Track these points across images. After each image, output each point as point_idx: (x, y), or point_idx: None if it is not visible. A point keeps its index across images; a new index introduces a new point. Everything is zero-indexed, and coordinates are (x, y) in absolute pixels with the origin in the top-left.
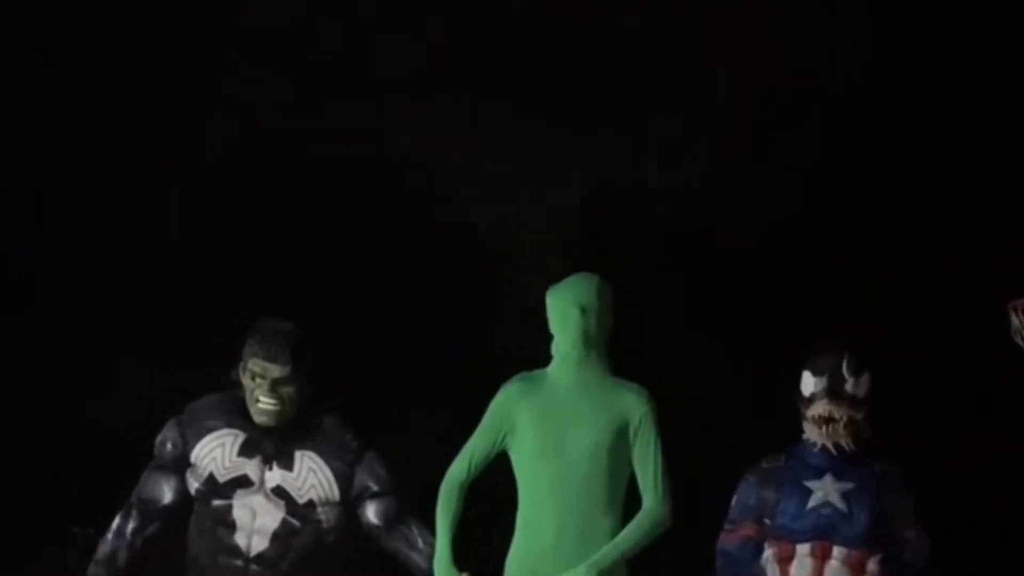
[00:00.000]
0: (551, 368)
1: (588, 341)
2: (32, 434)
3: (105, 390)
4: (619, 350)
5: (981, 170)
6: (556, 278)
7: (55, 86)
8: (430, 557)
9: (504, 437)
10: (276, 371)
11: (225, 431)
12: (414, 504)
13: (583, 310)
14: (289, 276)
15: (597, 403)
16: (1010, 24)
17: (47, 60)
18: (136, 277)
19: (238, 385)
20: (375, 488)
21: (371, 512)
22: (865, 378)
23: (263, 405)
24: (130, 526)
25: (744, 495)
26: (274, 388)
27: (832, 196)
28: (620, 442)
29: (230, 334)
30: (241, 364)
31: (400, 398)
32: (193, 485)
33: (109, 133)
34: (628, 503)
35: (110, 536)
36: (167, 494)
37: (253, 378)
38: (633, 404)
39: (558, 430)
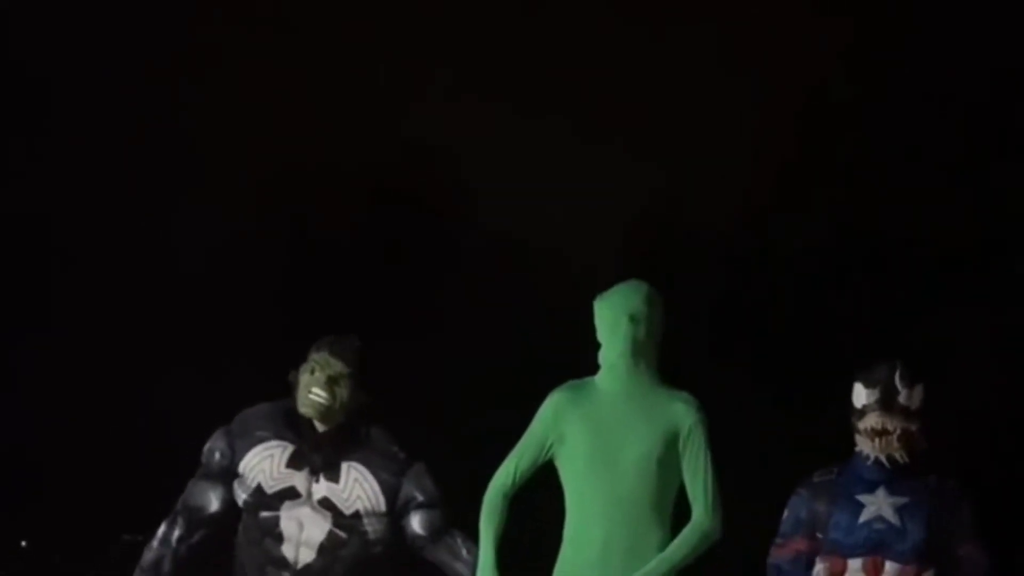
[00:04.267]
0: (599, 377)
1: (637, 350)
2: (82, 440)
3: (155, 396)
4: (669, 359)
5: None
6: (602, 286)
7: (104, 102)
8: (474, 567)
9: (551, 446)
10: (338, 367)
11: (274, 442)
12: (459, 513)
13: (632, 318)
14: (338, 286)
15: (646, 413)
16: None
17: (96, 78)
18: (183, 285)
19: (291, 391)
20: (421, 499)
21: (416, 523)
22: (919, 389)
23: (313, 396)
24: (175, 534)
25: (796, 509)
26: (329, 383)
27: (881, 203)
28: (670, 452)
29: (278, 341)
30: (303, 365)
31: (445, 405)
32: (240, 496)
33: (148, 149)
34: (677, 514)
35: (155, 543)
36: (213, 503)
37: (312, 371)
38: (683, 413)
39: (607, 440)
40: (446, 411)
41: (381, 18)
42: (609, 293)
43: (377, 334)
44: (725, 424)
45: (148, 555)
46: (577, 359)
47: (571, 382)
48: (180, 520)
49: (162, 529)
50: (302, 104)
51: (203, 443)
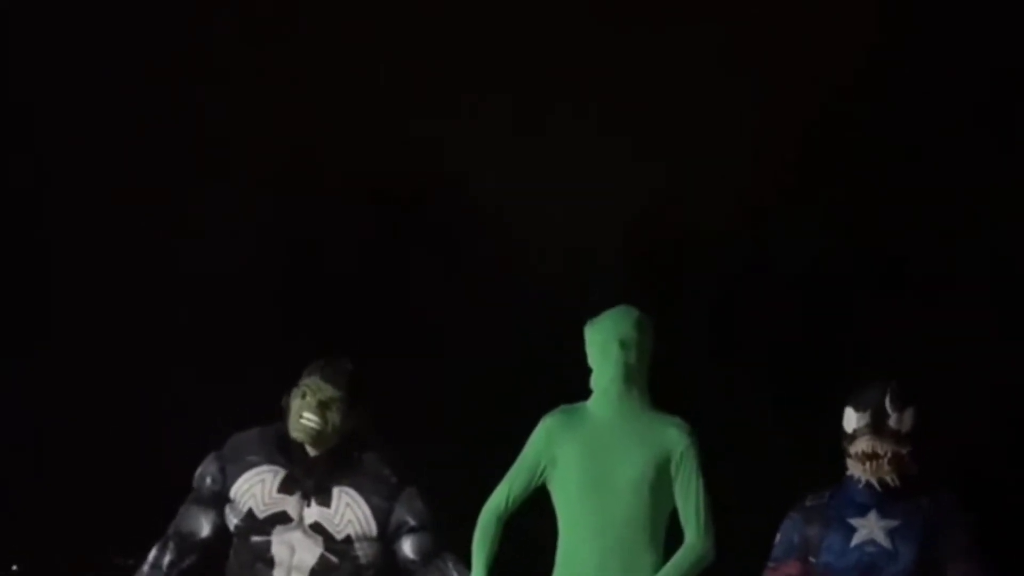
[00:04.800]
0: (591, 401)
1: (629, 375)
2: (73, 463)
3: (148, 420)
4: (662, 380)
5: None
6: (598, 308)
7: (104, 105)
8: None
9: (544, 470)
10: (328, 391)
11: (265, 467)
12: (451, 537)
13: (623, 344)
14: (335, 303)
15: (638, 437)
16: None
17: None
18: (176, 307)
19: (283, 415)
20: (412, 523)
21: (407, 547)
22: (910, 412)
23: (304, 421)
24: (166, 559)
25: (788, 533)
26: (321, 408)
27: (883, 224)
28: (662, 476)
29: (273, 364)
30: (294, 390)
31: (438, 427)
32: (232, 521)
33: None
34: (670, 538)
35: (146, 568)
36: (204, 528)
37: (304, 396)
38: (675, 438)
39: (599, 464)
40: (446, 413)
41: (381, 23)
42: (599, 319)
43: (376, 338)
44: (718, 444)
45: None
46: (577, 358)
47: (563, 406)
48: (171, 545)
49: (153, 553)
50: (300, 107)
51: (196, 466)
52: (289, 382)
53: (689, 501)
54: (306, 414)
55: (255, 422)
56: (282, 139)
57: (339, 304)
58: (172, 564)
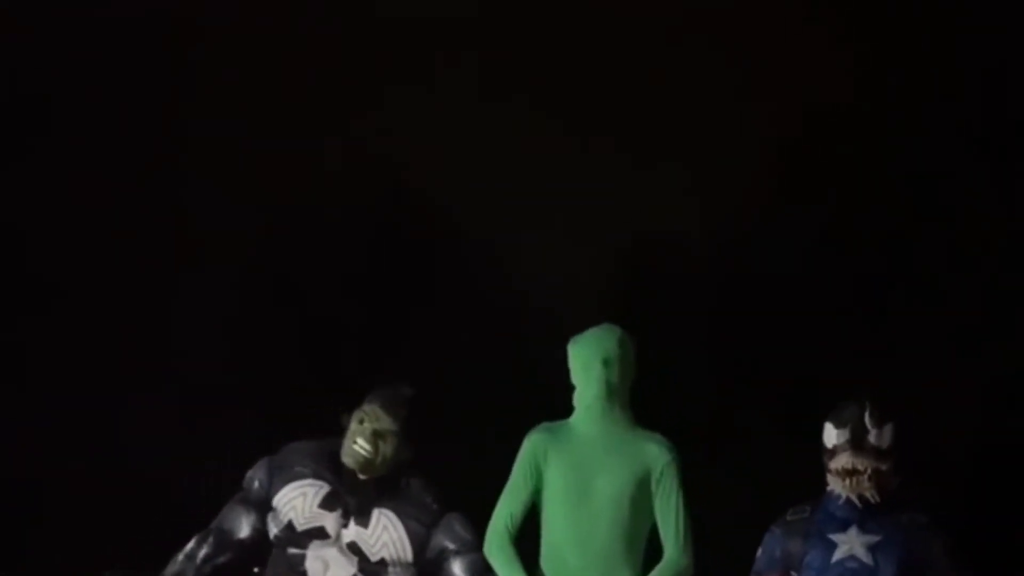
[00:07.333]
0: (574, 418)
1: (611, 392)
2: (71, 476)
3: (147, 436)
4: (646, 398)
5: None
6: (584, 325)
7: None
8: None
9: (536, 483)
10: (385, 423)
11: (310, 481)
12: None
13: (606, 362)
14: (324, 318)
15: (620, 453)
16: None
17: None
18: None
19: (343, 432)
20: (454, 547)
21: (457, 569)
22: (889, 428)
23: (357, 447)
24: (202, 552)
25: (769, 547)
26: (375, 437)
27: (866, 244)
28: (642, 492)
29: (268, 390)
30: (356, 411)
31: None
32: (272, 530)
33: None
34: (649, 553)
35: (181, 557)
36: (244, 528)
37: (361, 421)
38: (656, 455)
39: (582, 479)
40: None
41: (367, 49)
42: (582, 337)
43: (367, 361)
44: (700, 460)
45: (171, 568)
46: (554, 400)
47: (546, 423)
48: (211, 539)
49: (191, 545)
50: (294, 138)
51: (195, 479)
52: (293, 409)
53: (669, 517)
54: (360, 440)
55: (245, 451)
56: (274, 170)
57: (331, 330)
58: (207, 558)
